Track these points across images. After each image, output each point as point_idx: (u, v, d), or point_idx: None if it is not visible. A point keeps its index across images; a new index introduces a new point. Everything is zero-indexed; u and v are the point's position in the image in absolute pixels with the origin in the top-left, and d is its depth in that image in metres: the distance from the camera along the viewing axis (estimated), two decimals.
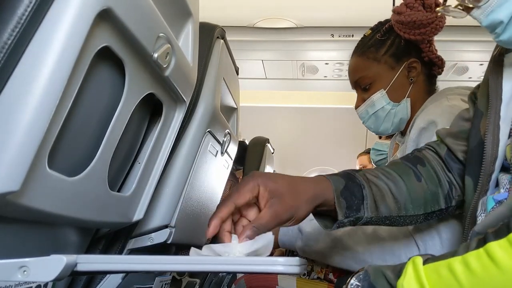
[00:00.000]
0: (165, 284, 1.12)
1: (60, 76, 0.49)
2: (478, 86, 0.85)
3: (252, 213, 0.66)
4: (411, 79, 1.27)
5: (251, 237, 0.60)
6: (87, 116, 0.63)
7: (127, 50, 0.61)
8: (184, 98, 0.81)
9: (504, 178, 0.67)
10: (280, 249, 1.58)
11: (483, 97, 0.74)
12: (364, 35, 1.34)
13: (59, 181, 0.57)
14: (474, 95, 0.85)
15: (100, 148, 0.64)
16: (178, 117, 0.84)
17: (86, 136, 0.65)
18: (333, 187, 0.72)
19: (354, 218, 0.74)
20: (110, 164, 0.68)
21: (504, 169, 0.69)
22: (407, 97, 1.27)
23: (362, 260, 1.05)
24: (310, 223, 1.18)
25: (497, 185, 0.69)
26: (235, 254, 0.59)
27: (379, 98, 1.27)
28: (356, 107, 1.34)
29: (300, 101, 4.24)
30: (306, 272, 1.28)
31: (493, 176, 0.69)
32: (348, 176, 0.76)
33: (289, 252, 1.41)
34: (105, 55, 0.59)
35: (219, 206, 0.64)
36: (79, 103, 0.58)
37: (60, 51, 0.48)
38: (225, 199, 0.64)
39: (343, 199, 0.73)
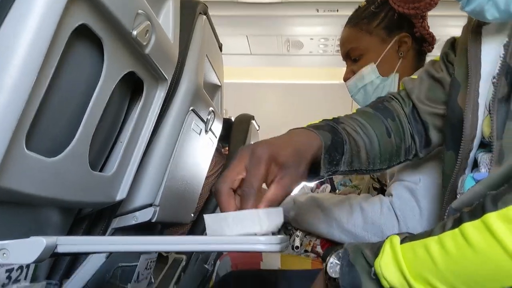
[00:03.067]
0: (151, 262, 1.13)
1: (35, 56, 0.48)
2: (451, 45, 0.85)
3: None
4: (401, 54, 1.27)
5: None
6: (65, 96, 0.61)
7: (105, 28, 0.60)
8: (166, 76, 0.80)
9: (485, 157, 0.68)
10: None
11: (461, 67, 0.74)
12: (359, 6, 1.33)
13: (38, 162, 0.56)
14: (446, 56, 0.85)
15: (80, 128, 0.63)
16: (159, 95, 0.83)
17: (65, 116, 0.64)
18: (323, 145, 0.69)
19: (331, 172, 0.73)
20: (91, 144, 0.68)
21: (483, 145, 0.70)
22: (395, 72, 1.27)
23: (347, 230, 1.08)
24: (303, 196, 1.20)
25: (476, 164, 0.70)
26: (262, 226, 0.54)
27: (369, 72, 1.27)
28: (345, 79, 1.34)
29: (285, 77, 4.23)
30: (297, 246, 1.30)
31: (471, 154, 0.70)
32: (333, 131, 0.74)
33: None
34: (83, 34, 0.58)
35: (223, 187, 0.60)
36: (57, 83, 0.57)
37: (34, 30, 0.47)
38: (230, 178, 0.60)
39: (328, 155, 0.71)
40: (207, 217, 0.56)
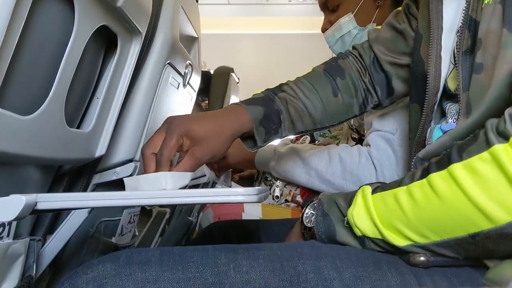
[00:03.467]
0: (134, 215, 1.15)
1: (1, 13, 0.47)
2: None
3: None
4: (378, 3, 1.26)
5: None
6: (37, 53, 0.60)
7: None
8: (140, 29, 0.79)
9: (453, 108, 0.69)
10: (250, 171, 1.64)
11: (423, 20, 0.74)
12: None
13: (13, 120, 0.56)
14: (407, 7, 0.85)
15: (54, 84, 0.63)
16: (134, 49, 0.81)
17: (38, 73, 0.63)
18: (253, 120, 0.75)
19: (272, 140, 0.81)
20: (67, 101, 0.67)
21: (450, 96, 0.71)
22: (373, 22, 1.27)
23: (326, 180, 1.11)
24: (284, 146, 1.22)
25: (444, 115, 0.71)
26: (167, 186, 0.64)
27: (347, 22, 1.26)
28: (323, 30, 1.33)
29: (265, 27, 4.16)
30: (277, 196, 1.33)
31: (436, 107, 0.71)
32: (267, 103, 0.79)
33: (263, 173, 1.45)
34: None
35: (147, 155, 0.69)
36: (27, 40, 0.55)
37: None
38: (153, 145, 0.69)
39: (262, 127, 0.77)
40: (126, 180, 0.67)
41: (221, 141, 0.71)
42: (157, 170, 0.66)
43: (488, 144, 0.47)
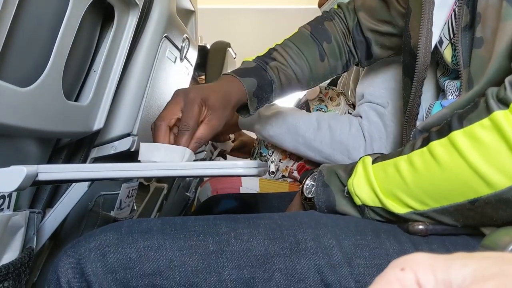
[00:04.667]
0: (132, 190, 1.15)
1: None
2: None
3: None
4: None
5: (194, 150, 0.67)
6: (34, 24, 0.60)
7: None
8: (137, 1, 0.78)
9: (452, 84, 0.69)
10: (241, 140, 1.62)
11: None
12: None
13: (11, 92, 0.56)
14: None
15: (52, 56, 0.62)
16: (131, 22, 0.81)
17: (35, 45, 0.62)
18: (247, 92, 0.78)
19: (263, 105, 0.85)
20: (64, 73, 0.67)
21: (447, 71, 0.71)
22: None
23: (314, 147, 1.10)
24: (269, 109, 1.20)
25: (439, 92, 0.72)
26: (183, 160, 0.65)
27: None
28: (319, 5, 1.32)
29: (262, 2, 4.11)
30: (272, 172, 1.33)
31: (425, 82, 0.72)
32: (260, 74, 0.82)
33: (258, 148, 1.43)
34: None
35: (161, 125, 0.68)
36: (24, 10, 0.55)
37: None
38: (166, 117, 0.68)
39: (255, 98, 0.81)
40: (143, 145, 0.65)
41: (230, 110, 0.74)
42: (179, 141, 0.66)
43: (489, 111, 0.47)
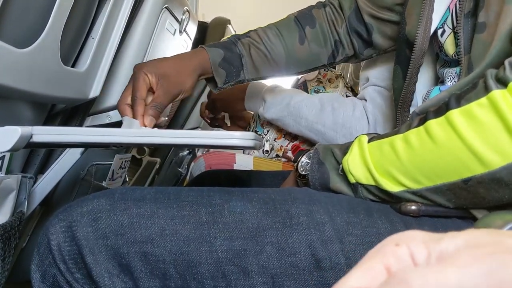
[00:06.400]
0: (125, 161, 1.15)
1: None
2: None
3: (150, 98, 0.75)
4: None
5: (154, 115, 0.71)
6: None
7: None
8: None
9: (450, 72, 0.69)
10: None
11: None
12: None
13: (8, 52, 0.55)
14: None
15: (50, 18, 0.61)
16: None
17: (34, 6, 0.61)
18: (211, 60, 0.80)
19: (234, 82, 0.85)
20: (62, 38, 0.66)
21: (446, 62, 0.71)
22: None
23: (316, 130, 1.10)
24: (273, 92, 1.19)
25: (437, 81, 0.72)
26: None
27: None
28: None
29: None
30: (266, 150, 1.33)
31: (420, 68, 0.72)
32: (228, 47, 0.84)
33: (254, 127, 1.43)
34: None
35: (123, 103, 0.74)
36: None
37: None
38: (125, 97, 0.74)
39: (222, 69, 0.82)
40: (125, 119, 0.72)
41: (185, 75, 0.77)
42: (135, 114, 0.71)
43: (487, 90, 0.47)
